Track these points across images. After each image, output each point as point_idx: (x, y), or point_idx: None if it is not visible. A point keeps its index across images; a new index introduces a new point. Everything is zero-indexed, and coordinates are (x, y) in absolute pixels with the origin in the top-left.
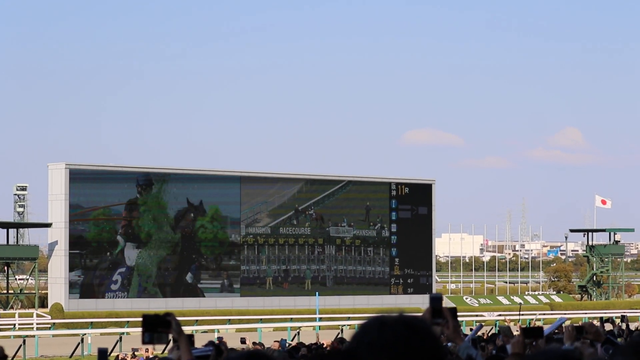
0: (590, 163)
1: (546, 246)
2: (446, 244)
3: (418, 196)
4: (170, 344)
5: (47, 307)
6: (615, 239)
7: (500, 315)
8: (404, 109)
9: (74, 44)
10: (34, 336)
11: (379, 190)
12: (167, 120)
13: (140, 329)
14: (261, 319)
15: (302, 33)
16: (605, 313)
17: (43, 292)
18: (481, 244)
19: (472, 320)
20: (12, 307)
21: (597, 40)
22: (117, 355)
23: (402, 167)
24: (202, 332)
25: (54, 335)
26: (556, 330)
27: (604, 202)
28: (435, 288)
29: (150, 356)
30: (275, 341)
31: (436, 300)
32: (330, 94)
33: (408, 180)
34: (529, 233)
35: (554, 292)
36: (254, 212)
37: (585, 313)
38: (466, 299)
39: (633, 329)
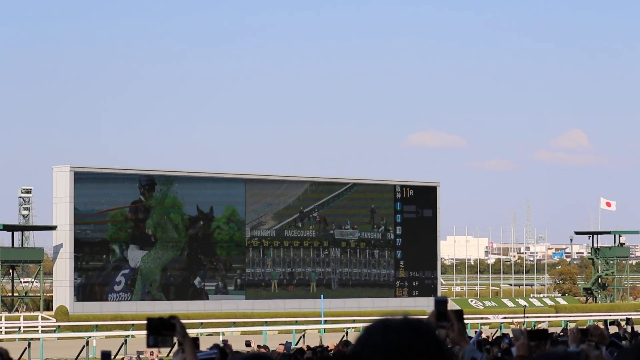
0: (594, 165)
1: (551, 248)
2: (451, 247)
3: (423, 198)
4: (175, 347)
5: (52, 310)
6: (620, 242)
7: (505, 318)
8: (408, 111)
9: (78, 46)
10: (39, 339)
11: (383, 192)
12: (171, 122)
13: (145, 332)
14: (266, 322)
15: (307, 35)
16: (610, 315)
17: (48, 295)
18: (486, 247)
19: (477, 323)
20: (17, 310)
21: (602, 42)
22: (122, 358)
23: (406, 170)
24: (207, 335)
25: (59, 338)
26: (561, 333)
27: (608, 205)
28: (440, 291)
29: (155, 359)
30: (280, 344)
31: (441, 303)
32: (335, 96)
33: (413, 183)
34: (533, 235)
35: (559, 295)
36: (259, 215)
37: (590, 315)
38: (471, 301)
39: (638, 332)
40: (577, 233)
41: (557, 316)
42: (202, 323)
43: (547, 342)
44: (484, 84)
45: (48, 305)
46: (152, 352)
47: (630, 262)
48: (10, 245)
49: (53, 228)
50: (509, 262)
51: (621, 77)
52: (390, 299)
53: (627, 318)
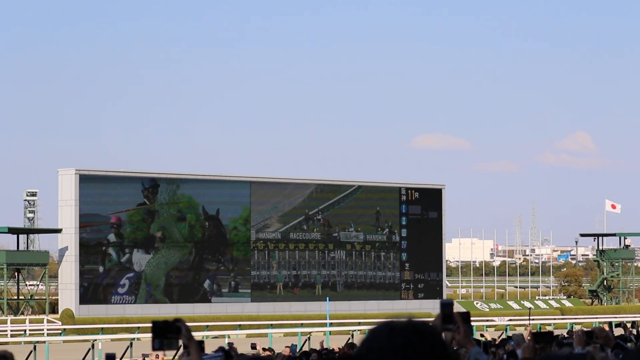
0: (599, 167)
1: (556, 251)
2: (456, 249)
3: (428, 201)
4: (181, 350)
5: (57, 312)
6: (626, 244)
7: (511, 320)
8: (413, 114)
9: (81, 49)
10: (44, 342)
11: (388, 195)
12: (176, 124)
13: (150, 335)
14: (272, 324)
15: (312, 37)
16: (615, 318)
17: (53, 298)
18: (491, 249)
19: (483, 325)
20: (22, 313)
21: (607, 44)
22: None
23: (412, 172)
24: (212, 338)
25: (64, 341)
26: (567, 335)
27: (613, 207)
28: (445, 293)
29: None
30: (286, 346)
31: (447, 306)
32: (341, 99)
33: (418, 185)
34: (539, 238)
35: (565, 297)
36: (264, 217)
37: (596, 318)
38: (477, 303)
39: None
40: (582, 235)
41: (562, 318)
42: (207, 326)
43: (552, 344)
44: (489, 86)
45: (53, 308)
46: (158, 355)
47: (635, 264)
48: (16, 248)
49: (58, 231)
50: (514, 265)
51: (626, 80)
52: (396, 301)
53: (632, 322)
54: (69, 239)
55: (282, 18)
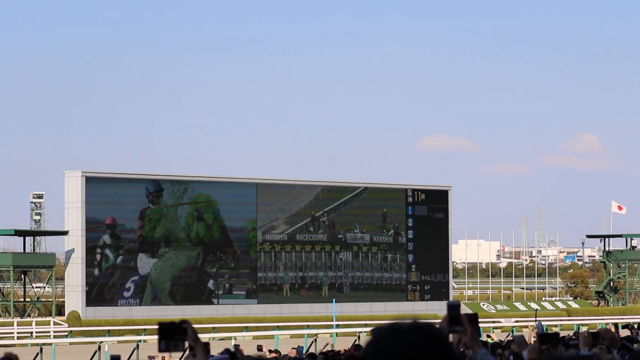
0: (606, 168)
1: (563, 252)
2: (463, 250)
3: (435, 202)
4: (187, 352)
5: (64, 315)
6: (632, 245)
7: (517, 321)
8: (420, 115)
9: (88, 52)
10: (51, 344)
11: (395, 196)
12: (183, 126)
13: (157, 337)
14: (278, 326)
15: (320, 39)
16: (622, 319)
17: (60, 300)
18: (498, 250)
19: (489, 327)
20: (29, 315)
21: (613, 46)
22: None
23: (418, 173)
24: (219, 340)
25: (71, 343)
26: (573, 336)
27: (620, 208)
28: (452, 294)
29: None
30: (292, 348)
31: (454, 307)
32: (348, 101)
33: (424, 187)
34: (545, 239)
35: (571, 298)
36: (271, 219)
37: (602, 319)
38: (483, 305)
39: None
40: (588, 236)
41: (569, 320)
42: (214, 328)
43: (558, 345)
44: (496, 88)
45: (60, 311)
46: (164, 356)
47: None
48: (22, 251)
49: (65, 233)
50: (520, 266)
51: (633, 81)
52: (402, 302)
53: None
54: (75, 241)
55: (289, 20)
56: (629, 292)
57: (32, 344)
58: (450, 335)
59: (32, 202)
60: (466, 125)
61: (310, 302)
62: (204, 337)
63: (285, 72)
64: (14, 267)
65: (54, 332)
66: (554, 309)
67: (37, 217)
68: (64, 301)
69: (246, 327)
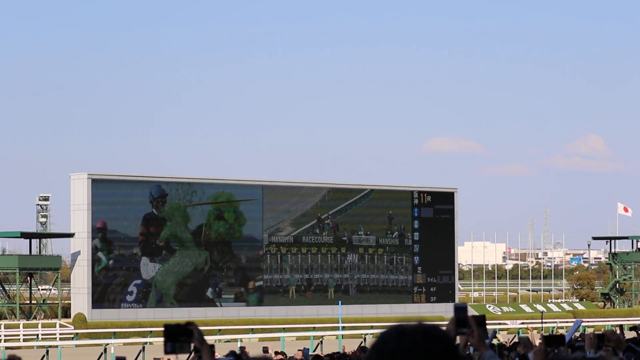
0: (612, 170)
1: (569, 254)
2: (469, 252)
3: (440, 204)
4: (192, 354)
5: (70, 317)
6: (638, 247)
7: (523, 323)
8: (425, 117)
9: (93, 54)
10: (57, 346)
11: (401, 198)
12: (189, 129)
13: (162, 339)
14: (284, 328)
15: (325, 41)
16: (628, 321)
17: (66, 302)
18: (504, 252)
19: (495, 329)
20: (35, 318)
21: (618, 47)
22: None
23: (424, 175)
24: (224, 342)
25: (77, 346)
26: (579, 338)
27: (626, 210)
28: (458, 296)
29: None
30: (298, 350)
31: (461, 309)
32: (353, 103)
33: (430, 188)
34: (551, 241)
35: (577, 300)
36: (277, 221)
37: (608, 321)
38: (489, 307)
39: None
40: (594, 238)
41: (575, 321)
42: (219, 330)
43: (564, 347)
44: (501, 89)
45: (66, 313)
46: (170, 359)
47: None
48: (28, 253)
49: (71, 235)
50: (526, 268)
51: (638, 82)
52: (408, 304)
53: None
54: (82, 243)
55: (293, 21)
56: (635, 294)
57: (38, 346)
58: (457, 337)
59: (38, 205)
60: (472, 127)
61: (316, 304)
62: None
63: (291, 74)
64: (19, 270)
65: (60, 334)
66: (560, 310)
67: (43, 220)
68: (69, 303)
69: (252, 329)
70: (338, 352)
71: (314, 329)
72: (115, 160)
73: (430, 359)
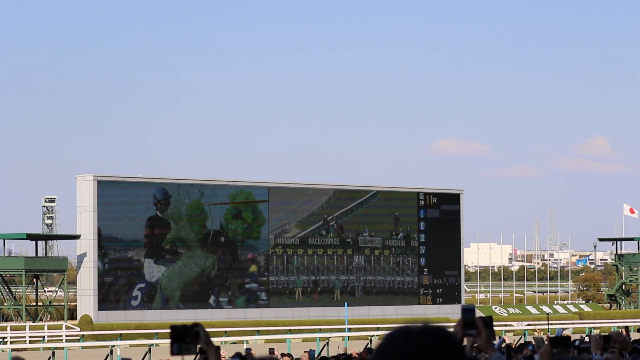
0: (618, 172)
1: (575, 255)
2: (475, 254)
3: (446, 206)
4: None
5: (76, 319)
6: None
7: (529, 324)
8: (432, 119)
9: (98, 57)
10: (63, 348)
11: (407, 200)
12: (195, 130)
13: (169, 340)
14: (290, 330)
15: (332, 42)
16: (634, 322)
17: (72, 304)
18: (510, 254)
19: (502, 330)
20: (41, 319)
21: (624, 49)
22: None
23: (430, 177)
24: (231, 344)
25: (83, 347)
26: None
27: (632, 211)
28: (464, 298)
29: None
30: (304, 352)
31: (468, 311)
32: (360, 104)
33: (436, 190)
34: (557, 242)
35: (583, 302)
36: (283, 223)
37: (614, 322)
38: (495, 308)
39: None
40: (600, 240)
41: (581, 323)
42: (226, 331)
43: (569, 348)
44: (508, 91)
45: (72, 314)
46: None
47: None
48: (34, 255)
49: (77, 237)
50: (532, 269)
51: None
52: (414, 306)
53: None
54: (87, 245)
55: (301, 22)
56: None
57: (44, 348)
58: (465, 339)
59: (44, 206)
60: (478, 129)
61: (323, 306)
62: (215, 340)
63: (297, 75)
64: (26, 271)
65: (66, 336)
66: (566, 312)
67: (49, 221)
68: (76, 305)
69: (258, 330)
70: (344, 354)
71: (320, 330)
72: (121, 162)
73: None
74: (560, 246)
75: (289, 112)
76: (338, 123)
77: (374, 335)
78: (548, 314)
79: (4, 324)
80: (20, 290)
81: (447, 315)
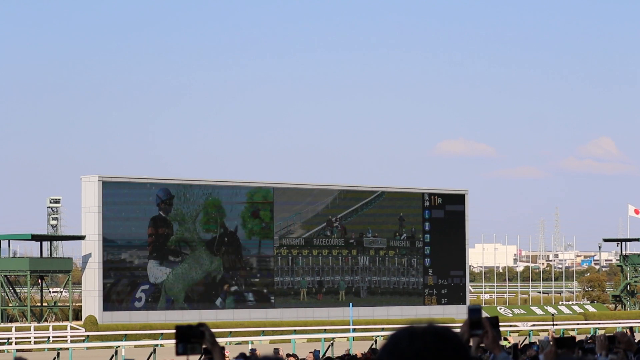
0: (623, 172)
1: (580, 256)
2: (479, 254)
3: (451, 206)
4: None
5: (81, 319)
6: None
7: (534, 325)
8: (437, 120)
9: (103, 58)
10: (68, 349)
11: (412, 200)
12: (199, 131)
13: (174, 341)
14: (295, 330)
15: (335, 43)
16: (639, 323)
17: (77, 304)
18: (515, 254)
19: (506, 331)
20: (46, 320)
21: (629, 50)
22: None
23: (435, 178)
24: (236, 344)
25: (88, 348)
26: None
27: (637, 212)
28: (469, 298)
29: None
30: (309, 352)
31: (475, 311)
32: (364, 105)
33: (441, 191)
34: (562, 243)
35: (588, 302)
36: (288, 223)
37: (619, 323)
38: (500, 309)
39: None
40: (605, 240)
41: (585, 324)
42: (230, 332)
43: (574, 349)
44: (512, 91)
45: (77, 315)
46: None
47: None
48: (39, 255)
49: (82, 238)
50: (537, 270)
51: None
52: (419, 306)
53: None
54: (92, 245)
55: (303, 22)
56: None
57: (49, 349)
58: (471, 339)
59: (49, 207)
60: (483, 129)
61: (327, 307)
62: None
63: (301, 76)
64: (31, 272)
65: (71, 336)
66: (571, 313)
67: (54, 222)
68: (81, 306)
69: (263, 331)
70: (348, 354)
71: (325, 331)
72: (126, 163)
73: (442, 359)
74: (565, 247)
75: (294, 113)
76: (343, 124)
77: (378, 336)
78: (553, 314)
79: (9, 324)
80: (25, 291)
81: (452, 315)
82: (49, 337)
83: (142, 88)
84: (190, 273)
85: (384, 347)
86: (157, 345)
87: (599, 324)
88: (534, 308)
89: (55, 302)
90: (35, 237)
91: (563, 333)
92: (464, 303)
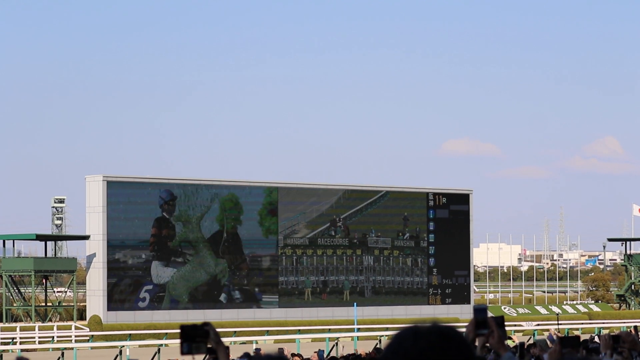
0: (628, 172)
1: (584, 255)
2: (484, 254)
3: (456, 206)
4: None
5: (85, 319)
6: None
7: (538, 325)
8: (442, 119)
9: (107, 58)
10: (72, 348)
11: (416, 200)
12: (202, 131)
13: (178, 340)
14: (299, 330)
15: (340, 42)
16: None
17: (81, 304)
18: (519, 254)
19: (511, 330)
20: (50, 320)
21: (635, 50)
22: None
23: (439, 177)
24: (240, 344)
25: (92, 348)
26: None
27: None
28: (473, 298)
29: None
30: (314, 352)
31: (480, 311)
32: (369, 105)
33: (446, 190)
34: (566, 242)
35: (592, 302)
36: (292, 223)
37: (624, 322)
38: (504, 308)
39: None
40: (610, 240)
41: (590, 323)
42: (235, 332)
43: (579, 348)
44: (517, 91)
45: (81, 315)
46: None
47: None
48: (44, 255)
49: (86, 238)
50: (542, 269)
51: None
52: (424, 306)
53: None
54: (97, 245)
55: (310, 24)
56: None
57: (54, 349)
58: (477, 338)
59: (53, 207)
60: (487, 129)
61: (332, 306)
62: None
63: (307, 76)
64: (35, 272)
65: (75, 336)
66: (575, 312)
67: (59, 222)
68: (85, 305)
69: (267, 330)
70: (353, 354)
71: (330, 330)
72: (130, 162)
73: (446, 359)
74: (569, 246)
75: (298, 113)
76: (348, 124)
77: (383, 335)
78: (557, 314)
79: (14, 324)
80: (30, 290)
81: (456, 315)
82: (53, 337)
83: (146, 88)
84: (194, 273)
85: (388, 346)
86: (161, 345)
87: (603, 323)
88: (538, 307)
89: (59, 302)
90: (39, 237)
91: (567, 332)
92: (469, 303)
